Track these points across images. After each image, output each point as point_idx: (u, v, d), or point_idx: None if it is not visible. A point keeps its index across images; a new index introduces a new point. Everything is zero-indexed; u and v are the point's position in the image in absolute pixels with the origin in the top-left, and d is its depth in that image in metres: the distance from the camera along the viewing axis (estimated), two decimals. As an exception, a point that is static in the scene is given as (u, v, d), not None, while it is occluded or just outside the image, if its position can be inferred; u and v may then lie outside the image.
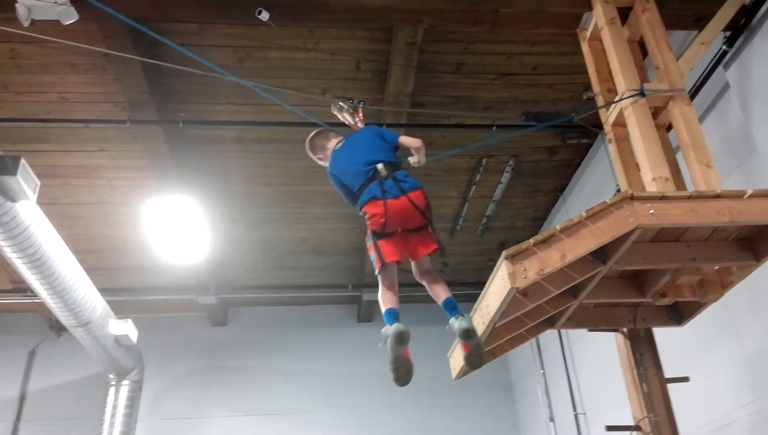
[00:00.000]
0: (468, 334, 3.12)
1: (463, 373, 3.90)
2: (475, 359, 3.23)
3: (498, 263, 3.08)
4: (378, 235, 3.40)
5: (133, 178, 6.17)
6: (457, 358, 3.87)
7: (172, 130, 5.42)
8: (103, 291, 6.26)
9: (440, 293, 3.32)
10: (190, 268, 7.10)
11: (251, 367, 8.37)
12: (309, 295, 8.42)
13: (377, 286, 9.14)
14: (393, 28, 4.74)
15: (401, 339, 3.08)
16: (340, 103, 4.09)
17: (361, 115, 4.09)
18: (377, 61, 5.15)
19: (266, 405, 8.13)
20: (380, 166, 3.51)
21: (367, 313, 8.67)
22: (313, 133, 4.01)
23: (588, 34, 4.21)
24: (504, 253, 2.99)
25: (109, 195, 6.38)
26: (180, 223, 5.94)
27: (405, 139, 3.74)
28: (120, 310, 6.68)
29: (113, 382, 6.87)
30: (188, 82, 5.11)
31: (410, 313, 9.52)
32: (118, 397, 6.81)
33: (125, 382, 6.88)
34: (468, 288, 6.67)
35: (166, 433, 7.81)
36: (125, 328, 6.37)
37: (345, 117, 4.09)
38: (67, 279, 5.25)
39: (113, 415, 6.71)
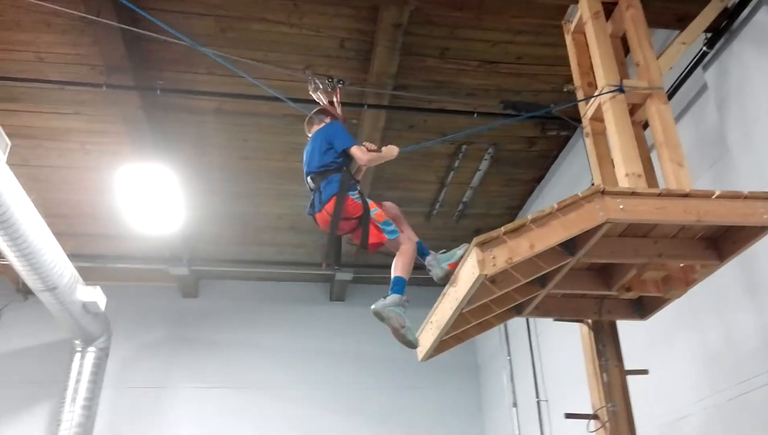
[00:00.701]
0: (377, 316, 3.23)
1: (428, 356, 3.94)
2: (398, 339, 3.26)
3: (468, 250, 3.10)
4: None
5: (107, 144, 6.07)
6: (423, 340, 3.90)
7: (149, 97, 5.33)
8: (72, 257, 6.18)
9: (394, 270, 3.37)
10: (163, 238, 7.04)
11: (221, 339, 8.35)
12: (282, 271, 8.40)
13: (351, 266, 9.11)
14: (379, 7, 4.70)
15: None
16: (316, 81, 4.00)
17: (339, 96, 4.01)
18: (362, 40, 5.11)
19: (234, 378, 8.14)
20: (308, 179, 3.57)
21: (340, 293, 8.70)
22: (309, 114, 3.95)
23: (572, 26, 4.22)
24: (474, 241, 3.02)
25: (81, 159, 6.27)
26: (154, 193, 5.88)
27: (355, 152, 3.52)
28: (89, 276, 6.61)
29: (79, 349, 6.82)
30: (168, 49, 5.01)
31: (383, 294, 9.57)
32: (84, 363, 6.77)
33: (91, 348, 6.83)
34: (441, 272, 6.70)
35: (132, 401, 7.79)
36: (93, 295, 6.32)
37: (320, 97, 4.01)
38: (35, 242, 5.18)
39: (78, 381, 6.68)
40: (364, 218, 3.41)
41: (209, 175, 6.57)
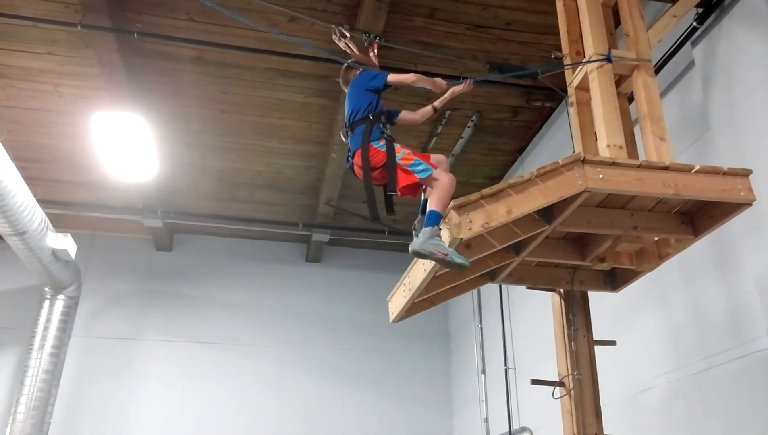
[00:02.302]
0: (418, 256, 3.08)
1: (400, 318, 3.93)
2: (448, 267, 3.09)
3: (445, 212, 3.06)
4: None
5: (81, 88, 5.87)
6: (396, 301, 3.90)
7: (126, 40, 5.15)
8: (43, 203, 6.03)
9: (429, 203, 3.17)
10: (136, 188, 6.91)
11: (193, 294, 8.31)
12: (258, 229, 8.33)
13: (328, 227, 8.98)
14: (368, -40, 4.57)
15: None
16: (341, 30, 3.86)
17: (376, 51, 3.90)
18: (350, -6, 4.98)
19: (205, 333, 8.12)
20: (341, 134, 3.50)
21: (316, 254, 8.67)
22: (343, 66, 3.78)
23: (564, -8, 4.13)
24: (451, 203, 2.98)
25: (55, 102, 6.07)
26: (129, 141, 5.72)
27: (393, 78, 3.48)
28: (60, 223, 6.48)
29: (48, 296, 6.72)
30: (147, -9, 4.84)
31: (359, 257, 9.52)
32: (53, 311, 6.69)
33: (61, 296, 6.74)
34: (417, 238, 6.69)
35: (101, 351, 7.75)
36: (64, 242, 6.19)
37: (348, 45, 3.84)
38: (3, 183, 5.03)
39: (46, 328, 6.60)
40: (389, 164, 3.27)
41: (186, 127, 6.42)
